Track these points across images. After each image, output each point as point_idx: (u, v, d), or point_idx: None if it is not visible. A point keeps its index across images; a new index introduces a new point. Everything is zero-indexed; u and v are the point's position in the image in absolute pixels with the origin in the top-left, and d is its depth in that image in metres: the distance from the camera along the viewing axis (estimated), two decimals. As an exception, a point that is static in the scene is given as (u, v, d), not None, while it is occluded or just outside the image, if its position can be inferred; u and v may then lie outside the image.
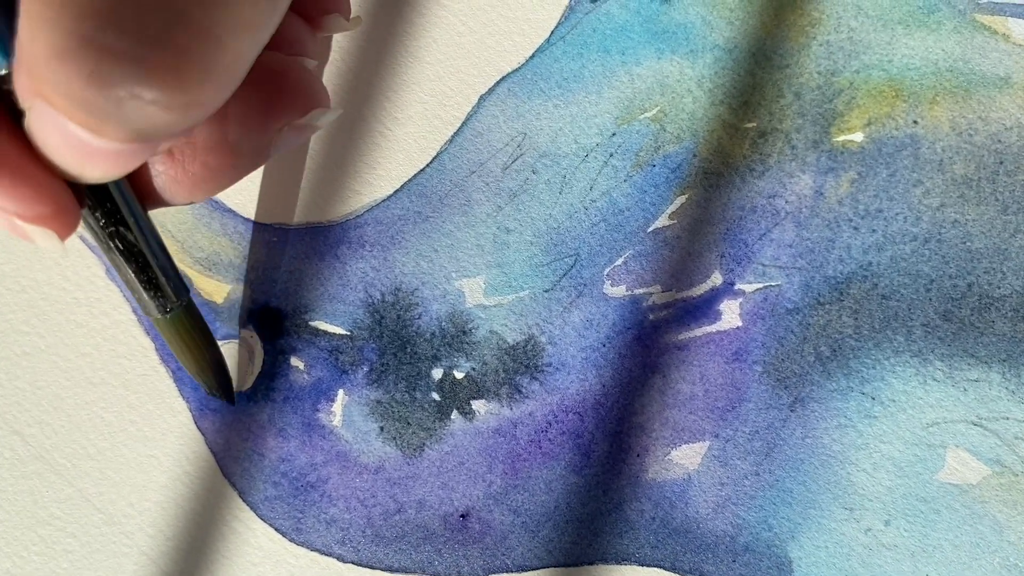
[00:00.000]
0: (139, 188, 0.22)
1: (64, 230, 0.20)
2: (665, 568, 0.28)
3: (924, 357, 0.28)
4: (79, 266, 0.29)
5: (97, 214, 0.22)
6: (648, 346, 0.28)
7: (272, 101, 0.23)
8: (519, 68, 0.29)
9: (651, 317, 0.28)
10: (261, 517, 0.28)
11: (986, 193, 0.28)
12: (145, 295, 0.24)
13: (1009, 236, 0.28)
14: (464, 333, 0.28)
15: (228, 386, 0.28)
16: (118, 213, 0.22)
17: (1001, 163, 0.28)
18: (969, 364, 0.28)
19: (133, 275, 0.23)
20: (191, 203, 0.23)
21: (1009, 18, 0.28)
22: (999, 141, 0.28)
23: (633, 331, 0.28)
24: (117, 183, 0.22)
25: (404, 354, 0.28)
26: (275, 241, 0.29)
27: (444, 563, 0.28)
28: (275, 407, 0.28)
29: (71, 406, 0.28)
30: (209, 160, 0.22)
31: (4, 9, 0.18)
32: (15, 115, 0.19)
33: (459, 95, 0.29)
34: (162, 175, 0.22)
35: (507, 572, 0.28)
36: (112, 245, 0.23)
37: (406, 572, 0.28)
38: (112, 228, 0.22)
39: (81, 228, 0.21)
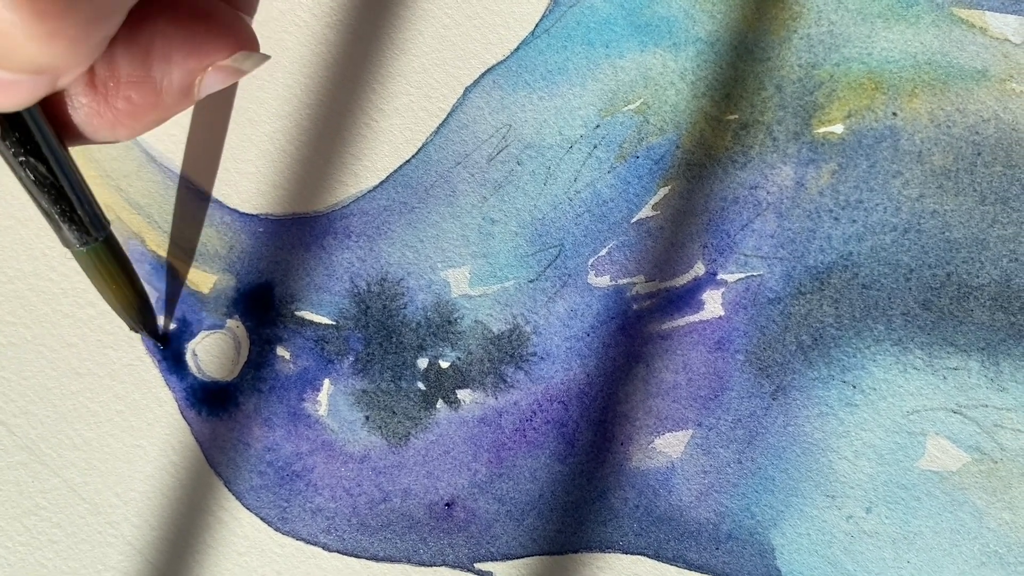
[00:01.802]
0: (57, 121, 0.22)
1: None
2: (648, 556, 0.28)
3: (904, 346, 0.28)
4: (65, 255, 0.29)
5: (6, 143, 0.22)
6: (632, 336, 0.28)
7: (197, 40, 0.23)
8: (504, 60, 0.29)
9: (635, 307, 0.29)
10: (246, 507, 0.28)
11: (964, 184, 0.29)
12: (63, 227, 0.24)
13: (987, 226, 0.28)
14: (449, 323, 0.29)
15: (152, 324, 0.27)
16: (30, 143, 0.22)
17: (979, 154, 0.29)
18: (948, 352, 0.28)
19: (47, 206, 0.23)
20: (113, 141, 0.23)
21: (986, 12, 0.29)
22: (977, 133, 0.29)
23: (617, 321, 0.29)
24: (30, 112, 0.22)
25: (390, 344, 0.28)
26: (261, 231, 0.29)
27: (429, 552, 0.28)
28: (261, 396, 0.28)
29: (57, 396, 0.29)
30: (132, 95, 0.22)
31: None
32: None
33: (445, 87, 0.29)
34: (84, 108, 0.22)
35: (492, 560, 0.28)
36: (26, 175, 0.23)
37: (391, 561, 0.28)
38: (23, 158, 0.22)
39: None
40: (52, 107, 0.22)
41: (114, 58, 0.22)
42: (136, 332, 0.28)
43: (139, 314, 0.27)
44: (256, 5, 0.25)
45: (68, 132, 0.23)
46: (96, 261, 0.26)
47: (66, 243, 0.25)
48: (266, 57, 0.24)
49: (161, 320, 0.28)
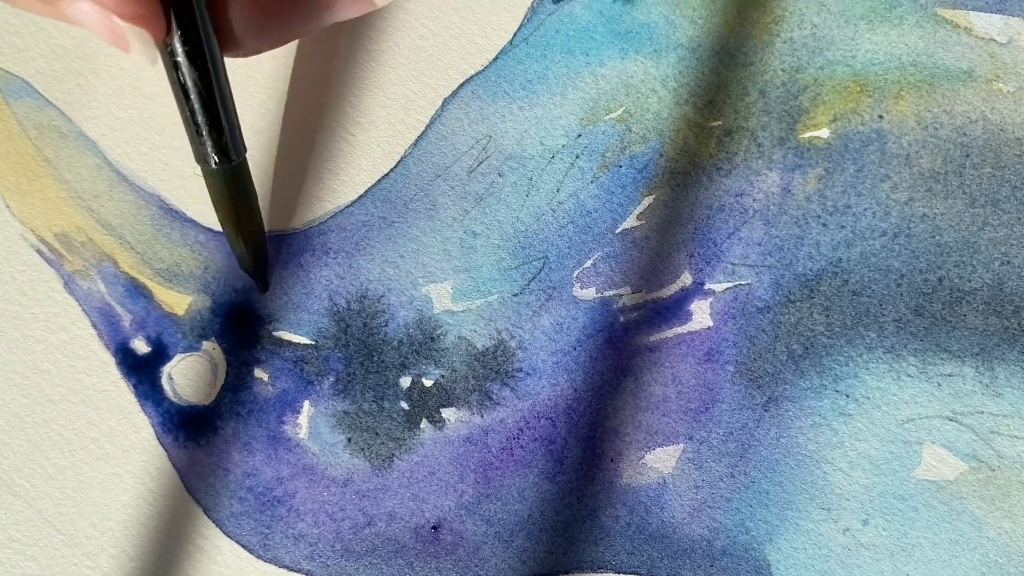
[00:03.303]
0: (217, 26, 0.24)
1: (157, 31, 0.22)
2: (642, 575, 0.27)
3: (897, 353, 0.28)
4: (36, 280, 0.28)
5: (178, 40, 0.23)
6: (619, 348, 0.28)
7: None
8: (483, 70, 0.29)
9: (621, 319, 0.28)
10: (227, 534, 0.27)
11: (953, 186, 0.28)
12: (208, 139, 0.24)
13: (978, 229, 0.28)
14: (432, 340, 0.28)
15: (263, 266, 0.27)
16: (197, 48, 0.23)
17: (967, 156, 0.28)
18: (942, 359, 0.28)
19: (200, 117, 0.24)
20: (257, 51, 0.24)
21: (970, 11, 0.28)
22: (964, 134, 0.28)
23: (604, 334, 0.28)
24: (201, 15, 0.23)
25: (371, 363, 0.28)
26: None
27: (416, 576, 0.27)
28: (239, 420, 0.28)
29: (29, 424, 0.28)
30: (268, 5, 0.24)
31: None
32: None
33: (422, 98, 0.29)
34: (233, 17, 0.24)
35: (481, 583, 0.27)
36: (187, 77, 0.24)
37: (377, 586, 0.27)
38: (189, 62, 0.23)
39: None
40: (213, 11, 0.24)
41: None
42: (246, 270, 0.27)
43: (254, 250, 0.27)
44: None
45: (226, 39, 0.24)
46: (229, 184, 0.26)
47: (203, 158, 0.25)
48: None
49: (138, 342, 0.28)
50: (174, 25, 0.23)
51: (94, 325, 0.28)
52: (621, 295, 0.28)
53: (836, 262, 0.28)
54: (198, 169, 0.28)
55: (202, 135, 0.24)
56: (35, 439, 0.28)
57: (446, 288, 0.28)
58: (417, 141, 0.28)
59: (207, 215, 0.28)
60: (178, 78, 0.24)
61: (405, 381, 0.28)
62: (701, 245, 0.28)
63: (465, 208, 0.28)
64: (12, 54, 0.29)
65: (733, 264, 0.28)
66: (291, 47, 0.29)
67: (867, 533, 0.27)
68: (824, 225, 0.28)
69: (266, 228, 0.28)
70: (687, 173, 0.28)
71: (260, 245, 0.27)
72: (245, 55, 0.25)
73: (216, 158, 0.25)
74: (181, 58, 0.23)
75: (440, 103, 0.28)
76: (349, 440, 0.28)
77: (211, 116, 0.24)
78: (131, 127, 0.28)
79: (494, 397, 0.28)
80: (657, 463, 0.28)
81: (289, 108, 0.28)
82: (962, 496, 0.27)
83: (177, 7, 0.23)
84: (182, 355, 0.28)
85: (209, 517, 0.28)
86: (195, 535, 0.28)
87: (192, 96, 0.24)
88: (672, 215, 0.28)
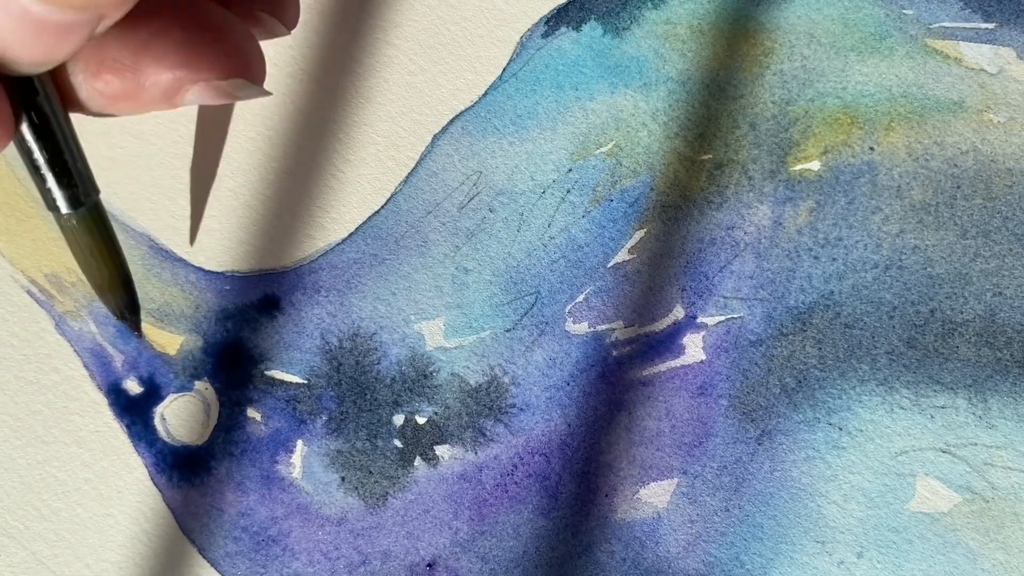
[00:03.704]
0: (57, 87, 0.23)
1: (4, 136, 0.21)
2: (637, 610, 0.27)
3: (890, 385, 0.28)
4: (27, 322, 0.28)
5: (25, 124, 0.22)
6: (613, 383, 0.28)
7: (196, 53, 0.22)
8: (472, 106, 0.28)
9: (614, 353, 0.28)
10: (223, 574, 0.27)
11: (944, 218, 0.28)
12: (53, 189, 0.23)
13: (969, 260, 0.28)
14: (425, 377, 0.28)
15: (133, 307, 0.26)
16: (32, 98, 0.22)
17: (958, 187, 0.28)
18: (935, 391, 0.28)
19: (42, 163, 0.23)
20: (106, 115, 0.23)
21: (960, 42, 0.28)
22: (955, 165, 0.28)
23: (597, 368, 0.28)
24: (42, 78, 0.22)
25: (364, 401, 0.28)
26: (228, 289, 0.28)
27: (412, 614, 0.27)
28: (233, 460, 0.28)
29: (22, 466, 0.28)
30: (113, 81, 0.22)
31: None
32: None
33: (412, 135, 0.29)
34: (77, 78, 0.22)
35: (477, 620, 0.27)
36: (29, 129, 0.23)
37: (373, 624, 0.27)
38: (30, 115, 0.22)
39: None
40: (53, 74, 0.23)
41: (106, 41, 0.22)
42: (119, 318, 0.26)
43: (123, 294, 0.25)
44: (295, 18, 0.25)
45: (66, 98, 0.23)
46: (83, 230, 0.24)
47: (52, 206, 0.24)
48: (266, 92, 0.24)
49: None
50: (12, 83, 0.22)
51: (86, 366, 0.28)
52: (614, 329, 0.28)
53: (828, 295, 0.28)
54: (187, 208, 0.28)
55: (49, 182, 0.23)
56: (28, 480, 0.28)
57: (438, 325, 0.28)
58: (407, 178, 0.28)
59: (197, 255, 0.28)
60: (22, 136, 0.23)
61: (398, 419, 0.28)
62: (693, 279, 0.28)
63: (456, 244, 0.28)
64: None
65: (725, 297, 0.28)
66: (277, 85, 0.28)
67: (862, 566, 0.27)
68: (816, 258, 0.28)
69: (257, 266, 0.28)
70: (678, 207, 0.28)
71: (130, 287, 0.26)
72: (108, 117, 0.24)
73: (69, 203, 0.24)
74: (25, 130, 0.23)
75: (430, 140, 0.28)
76: (343, 479, 0.28)
77: (57, 159, 0.23)
78: (120, 167, 0.28)
79: (488, 433, 0.28)
80: (651, 498, 0.28)
81: (278, 146, 0.28)
82: (956, 528, 0.27)
83: (16, 83, 0.22)
84: (175, 395, 0.28)
85: (204, 557, 0.28)
86: (190, 575, 0.28)
87: (34, 148, 0.23)
88: (663, 249, 0.28)
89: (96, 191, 0.24)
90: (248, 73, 0.23)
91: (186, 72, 0.23)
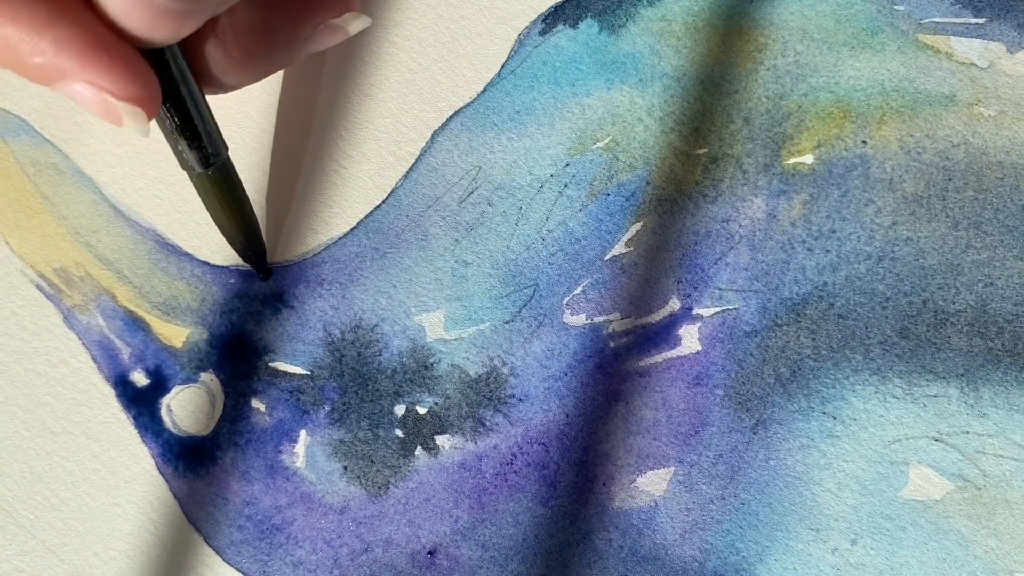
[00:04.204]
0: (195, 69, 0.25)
1: (152, 109, 0.23)
2: (635, 596, 0.28)
3: (883, 375, 0.28)
4: (36, 315, 0.29)
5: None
6: (610, 374, 0.28)
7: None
8: (471, 102, 0.29)
9: (612, 344, 0.28)
10: (227, 562, 0.28)
11: (936, 210, 0.28)
12: (189, 147, 0.25)
13: (961, 252, 0.28)
14: (426, 368, 0.28)
15: (260, 253, 0.28)
16: (166, 70, 0.24)
17: (950, 180, 0.29)
18: (927, 380, 0.28)
19: (176, 127, 0.25)
20: (237, 87, 0.25)
21: (951, 37, 0.29)
22: (947, 158, 0.29)
23: (594, 359, 0.28)
24: (172, 50, 0.24)
25: (366, 392, 0.28)
26: (232, 283, 0.29)
27: (413, 601, 0.28)
28: (238, 450, 0.28)
29: (32, 457, 0.28)
30: (248, 43, 0.24)
31: None
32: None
33: (412, 131, 0.29)
34: (211, 57, 0.24)
35: (477, 607, 0.28)
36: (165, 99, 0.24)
37: (375, 611, 0.28)
38: (167, 87, 0.24)
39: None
40: (191, 57, 0.25)
41: (236, 8, 0.24)
42: (247, 262, 0.28)
43: (250, 241, 0.28)
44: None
45: (205, 78, 0.25)
46: (213, 186, 0.27)
47: (187, 165, 0.26)
48: (369, 21, 0.26)
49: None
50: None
51: (94, 358, 0.28)
52: (611, 321, 0.28)
53: (822, 286, 0.28)
54: (193, 204, 0.29)
55: (181, 144, 0.25)
56: (38, 471, 0.28)
57: (438, 317, 0.28)
58: (408, 173, 0.29)
59: (203, 249, 0.29)
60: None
61: (399, 409, 0.28)
62: (689, 271, 0.28)
63: (456, 238, 0.29)
64: (10, 93, 0.29)
65: (720, 289, 0.28)
66: (280, 83, 0.29)
67: (856, 553, 0.28)
68: (809, 250, 0.28)
69: (261, 260, 0.29)
70: (674, 200, 0.29)
71: (258, 237, 0.28)
72: (226, 91, 0.26)
73: (203, 164, 0.26)
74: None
75: (430, 135, 0.29)
76: (345, 468, 0.28)
77: (187, 125, 0.25)
78: (127, 163, 0.29)
79: (487, 423, 0.28)
80: (648, 486, 0.28)
81: (281, 142, 0.29)
82: (949, 515, 0.28)
83: (152, 56, 0.23)
84: (180, 387, 0.28)
85: (209, 545, 0.28)
86: (196, 563, 0.28)
87: (170, 109, 0.25)
88: (660, 242, 0.29)
89: (225, 149, 0.26)
90: (351, 6, 0.26)
91: (310, 15, 0.25)
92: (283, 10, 0.25)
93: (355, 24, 0.26)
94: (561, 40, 0.29)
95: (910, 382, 0.28)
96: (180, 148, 0.25)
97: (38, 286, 0.29)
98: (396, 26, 0.29)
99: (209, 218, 0.28)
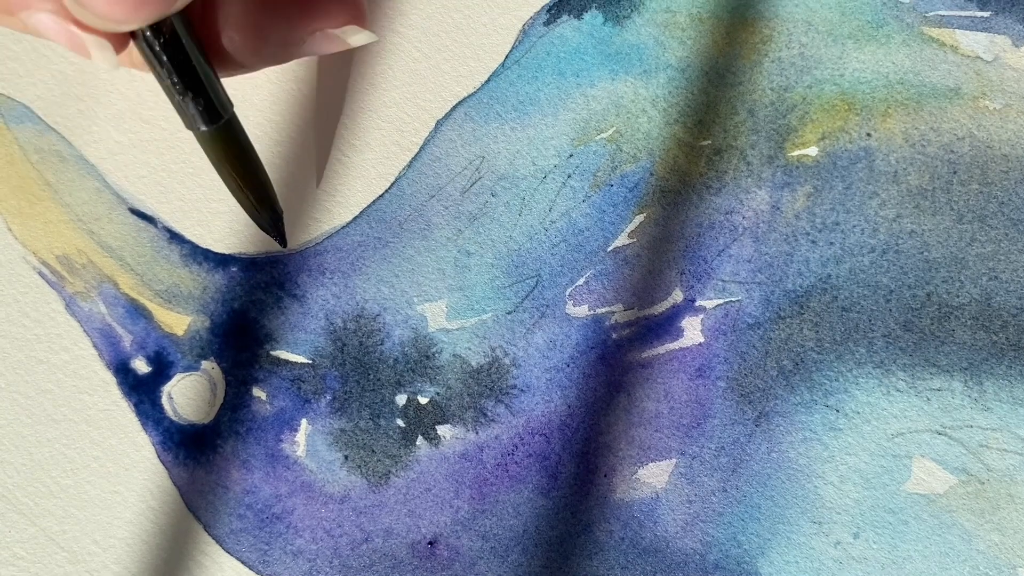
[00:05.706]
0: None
1: (118, 43, 0.22)
2: (636, 589, 0.28)
3: (886, 368, 0.28)
4: (38, 302, 0.29)
5: (149, 34, 0.23)
6: (612, 365, 0.28)
7: (314, 2, 0.24)
8: (475, 92, 0.29)
9: (614, 336, 0.28)
10: (227, 550, 0.28)
11: (941, 203, 0.28)
12: (192, 104, 0.25)
13: (965, 245, 0.28)
14: (427, 358, 0.28)
15: (278, 220, 0.27)
16: (174, 34, 0.24)
17: (955, 173, 0.28)
18: (931, 373, 0.28)
19: (179, 87, 0.24)
20: (236, 73, 0.25)
21: (956, 30, 0.29)
22: (951, 151, 0.28)
23: (597, 350, 0.28)
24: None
25: (367, 381, 0.28)
26: (235, 271, 0.29)
27: (413, 591, 0.28)
28: (238, 438, 0.28)
29: (32, 444, 0.28)
30: (236, 37, 0.24)
31: None
32: None
33: (416, 121, 0.29)
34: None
35: (477, 598, 0.28)
36: (162, 59, 0.24)
37: (375, 601, 0.28)
38: (167, 49, 0.24)
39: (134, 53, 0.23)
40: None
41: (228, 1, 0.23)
42: (259, 224, 0.27)
43: (267, 205, 0.27)
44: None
45: (219, 58, 0.25)
46: (220, 142, 0.26)
47: (192, 124, 0.25)
48: (374, 37, 0.26)
49: None
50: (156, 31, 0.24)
51: (95, 346, 0.28)
52: (613, 312, 0.28)
53: (825, 278, 0.28)
54: (196, 192, 0.29)
55: (185, 102, 0.25)
56: (38, 458, 0.28)
57: (441, 307, 0.28)
58: (411, 163, 0.29)
59: (205, 237, 0.29)
60: (153, 56, 0.24)
61: (401, 399, 0.28)
62: (692, 262, 0.28)
63: (459, 228, 0.29)
64: (13, 80, 0.29)
65: (723, 281, 0.28)
66: (283, 71, 0.29)
67: (858, 546, 0.28)
68: (813, 242, 0.28)
69: (264, 249, 0.29)
70: (677, 192, 0.29)
71: (270, 198, 0.27)
72: (241, 73, 0.26)
73: (204, 122, 0.25)
74: (155, 45, 0.24)
75: (433, 125, 0.29)
76: (346, 457, 0.28)
77: (192, 82, 0.24)
78: (130, 151, 0.29)
79: (489, 414, 0.28)
80: (650, 478, 0.28)
81: (284, 131, 0.29)
82: (952, 509, 0.28)
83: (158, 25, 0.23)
84: (182, 375, 0.28)
85: (209, 534, 0.28)
86: (196, 552, 0.28)
87: (170, 68, 0.24)
88: (663, 233, 0.29)
89: (231, 105, 0.26)
90: (359, 20, 0.25)
91: (307, 21, 0.24)
92: (278, 11, 0.24)
93: (355, 38, 0.25)
94: (566, 30, 0.29)
95: (914, 375, 0.28)
96: (184, 102, 0.25)
97: (40, 273, 0.29)
98: (401, 15, 0.29)
99: (212, 206, 0.28)
